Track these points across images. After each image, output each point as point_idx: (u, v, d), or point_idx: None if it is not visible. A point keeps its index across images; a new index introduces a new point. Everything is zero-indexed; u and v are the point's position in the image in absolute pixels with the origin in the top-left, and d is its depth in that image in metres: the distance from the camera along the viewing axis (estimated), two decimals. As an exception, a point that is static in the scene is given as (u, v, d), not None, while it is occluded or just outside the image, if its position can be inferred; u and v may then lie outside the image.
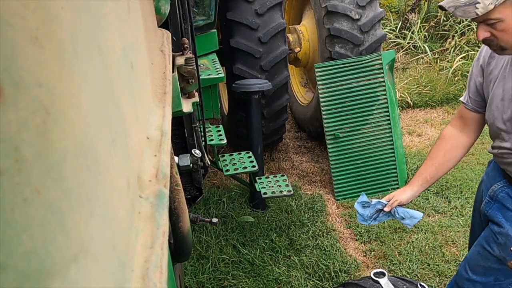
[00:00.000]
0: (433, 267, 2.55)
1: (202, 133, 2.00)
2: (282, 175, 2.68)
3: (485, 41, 1.25)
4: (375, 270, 1.39)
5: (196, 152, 1.14)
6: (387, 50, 3.62)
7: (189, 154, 1.17)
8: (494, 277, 1.51)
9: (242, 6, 3.09)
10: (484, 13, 1.15)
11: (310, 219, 3.02)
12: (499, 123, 1.39)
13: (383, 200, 1.52)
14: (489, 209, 1.53)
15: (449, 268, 2.53)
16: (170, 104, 0.78)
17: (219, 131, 2.71)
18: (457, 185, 3.24)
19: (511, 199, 1.45)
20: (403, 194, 1.50)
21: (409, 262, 2.58)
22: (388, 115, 3.23)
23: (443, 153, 1.54)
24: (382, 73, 3.17)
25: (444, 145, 1.56)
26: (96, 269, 0.32)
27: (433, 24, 6.07)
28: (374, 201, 1.54)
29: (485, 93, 1.43)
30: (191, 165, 1.18)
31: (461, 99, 1.56)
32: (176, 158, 1.14)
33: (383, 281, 1.34)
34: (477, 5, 1.14)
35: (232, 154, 2.72)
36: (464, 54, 5.08)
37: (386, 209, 1.49)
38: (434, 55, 5.49)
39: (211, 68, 2.63)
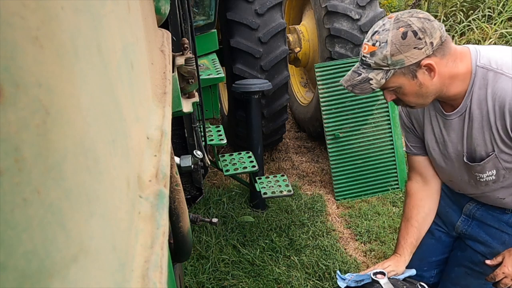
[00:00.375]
0: (433, 267, 2.55)
1: (202, 133, 2.00)
2: (282, 175, 2.68)
3: (394, 102, 1.28)
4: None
5: (198, 153, 1.15)
6: (387, 50, 3.61)
7: (190, 155, 1.18)
8: None
9: (242, 6, 3.09)
10: (379, 87, 1.19)
11: (310, 219, 3.02)
12: (441, 164, 1.40)
13: (377, 269, 1.43)
14: (468, 227, 1.50)
15: (449, 268, 2.53)
16: (170, 104, 0.78)
17: (219, 131, 2.71)
18: (457, 185, 3.24)
19: (490, 216, 1.43)
20: (400, 266, 1.43)
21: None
22: (388, 115, 3.23)
23: (416, 210, 1.49)
24: (382, 73, 3.17)
25: (414, 202, 1.50)
26: (96, 269, 0.32)
27: (433, 24, 6.07)
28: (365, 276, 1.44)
29: (422, 136, 1.43)
30: (192, 166, 1.18)
31: (405, 150, 1.54)
32: (177, 159, 1.14)
33: (383, 281, 1.33)
34: (371, 82, 1.18)
35: (232, 154, 2.72)
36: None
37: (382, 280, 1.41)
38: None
39: (211, 68, 2.63)
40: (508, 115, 1.12)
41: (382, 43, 1.13)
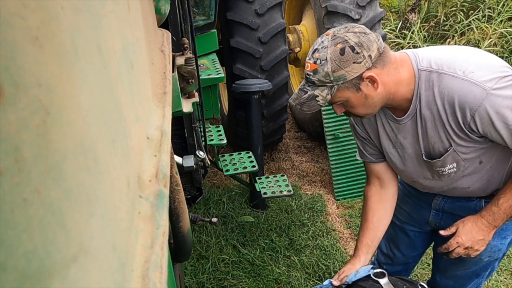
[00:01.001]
0: (433, 267, 2.55)
1: (202, 133, 2.00)
2: (282, 175, 2.68)
3: (344, 114, 1.30)
4: (375, 270, 1.39)
5: (200, 154, 1.15)
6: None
7: (192, 156, 1.18)
8: (475, 274, 1.56)
9: (242, 6, 3.09)
10: (326, 102, 1.22)
11: (310, 219, 3.02)
12: (401, 167, 1.42)
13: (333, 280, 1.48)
14: (440, 220, 1.54)
15: (449, 268, 2.53)
16: (170, 104, 0.78)
17: (219, 131, 2.71)
18: (457, 185, 3.24)
19: (458, 206, 1.46)
20: (352, 268, 1.47)
21: (409, 262, 2.58)
22: (388, 115, 3.23)
23: (371, 213, 1.53)
24: (382, 73, 3.17)
25: (369, 205, 1.54)
26: (96, 269, 0.32)
27: (433, 24, 6.08)
28: (326, 282, 1.49)
29: (378, 144, 1.45)
30: (194, 166, 1.18)
31: (359, 158, 1.56)
32: (180, 159, 1.14)
33: (383, 281, 1.34)
34: (317, 99, 1.21)
35: (232, 154, 2.72)
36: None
37: (334, 283, 1.44)
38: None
39: (211, 68, 2.63)
40: (459, 111, 1.15)
41: (323, 60, 1.15)
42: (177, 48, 1.25)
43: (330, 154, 3.26)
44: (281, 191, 2.50)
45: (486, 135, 1.17)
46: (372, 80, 1.17)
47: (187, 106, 1.11)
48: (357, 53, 1.13)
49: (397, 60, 1.21)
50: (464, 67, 1.14)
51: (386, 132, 1.38)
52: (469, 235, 1.33)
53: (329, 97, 1.20)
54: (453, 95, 1.14)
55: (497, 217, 1.28)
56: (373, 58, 1.15)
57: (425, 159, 1.33)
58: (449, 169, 1.31)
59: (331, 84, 1.18)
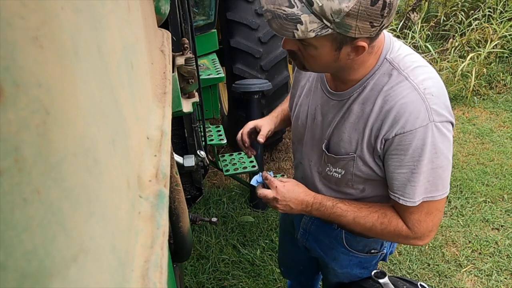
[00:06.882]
0: (433, 267, 2.55)
1: (202, 133, 2.00)
2: (282, 175, 2.68)
3: (290, 53, 1.03)
4: (375, 270, 1.39)
5: (201, 153, 1.15)
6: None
7: (193, 155, 1.18)
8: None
9: (242, 6, 3.09)
10: (300, 38, 0.90)
11: (310, 219, 3.02)
12: (306, 138, 1.29)
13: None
14: (306, 241, 1.49)
15: (449, 268, 2.53)
16: (170, 104, 0.78)
17: (219, 131, 2.71)
18: (457, 185, 3.24)
19: (322, 231, 1.38)
20: (269, 124, 1.48)
21: (409, 262, 2.58)
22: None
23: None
24: (382, 73, 3.16)
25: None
26: (96, 269, 0.32)
27: (434, 24, 6.08)
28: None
29: (295, 103, 1.32)
30: (195, 166, 1.18)
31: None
32: (180, 159, 1.13)
33: (383, 281, 1.34)
34: (298, 26, 0.88)
35: (232, 154, 2.72)
36: (465, 54, 5.08)
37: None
38: (435, 55, 5.49)
39: (211, 68, 2.64)
40: (389, 122, 1.00)
41: None
42: (177, 48, 1.25)
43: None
44: (281, 191, 2.50)
45: (381, 162, 1.08)
46: (358, 51, 0.94)
47: (187, 106, 1.11)
48: (382, 15, 0.87)
49: (379, 41, 1.03)
50: (427, 85, 0.99)
51: (311, 98, 1.23)
52: (289, 194, 1.18)
53: (311, 34, 0.88)
54: (396, 101, 0.99)
55: (320, 211, 1.19)
56: (381, 30, 0.91)
57: (323, 148, 1.18)
58: (335, 171, 1.18)
59: (327, 24, 0.87)
